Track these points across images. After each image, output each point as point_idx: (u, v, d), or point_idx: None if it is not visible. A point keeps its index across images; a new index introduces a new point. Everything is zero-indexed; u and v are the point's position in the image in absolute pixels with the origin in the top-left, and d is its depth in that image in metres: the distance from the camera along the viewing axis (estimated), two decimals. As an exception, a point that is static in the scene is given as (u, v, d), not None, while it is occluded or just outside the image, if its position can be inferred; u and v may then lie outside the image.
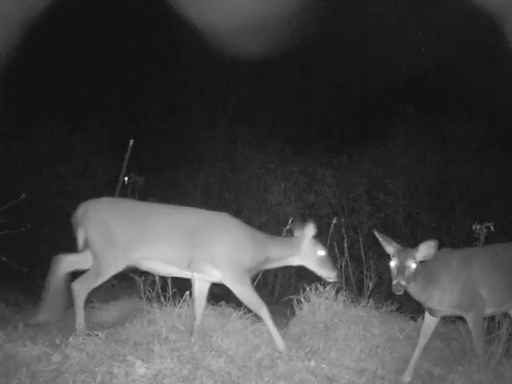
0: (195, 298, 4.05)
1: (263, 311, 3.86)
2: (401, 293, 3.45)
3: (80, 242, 3.97)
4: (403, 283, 3.41)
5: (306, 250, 4.07)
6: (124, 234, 3.80)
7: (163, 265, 3.87)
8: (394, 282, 3.43)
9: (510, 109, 8.90)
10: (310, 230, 4.04)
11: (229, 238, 3.93)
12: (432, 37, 10.04)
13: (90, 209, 3.91)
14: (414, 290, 3.59)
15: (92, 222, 3.84)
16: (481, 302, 3.72)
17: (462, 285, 3.68)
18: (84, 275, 3.89)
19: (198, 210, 4.27)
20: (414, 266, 3.48)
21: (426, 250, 3.51)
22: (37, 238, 8.48)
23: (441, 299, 3.66)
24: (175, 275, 4.02)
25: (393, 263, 3.51)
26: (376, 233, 3.70)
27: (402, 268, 3.45)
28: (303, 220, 4.33)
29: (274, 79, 11.55)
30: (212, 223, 3.99)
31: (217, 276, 3.91)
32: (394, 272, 3.47)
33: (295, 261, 4.15)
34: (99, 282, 3.85)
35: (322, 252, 4.07)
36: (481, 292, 3.72)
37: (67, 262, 3.97)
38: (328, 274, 4.10)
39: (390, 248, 3.59)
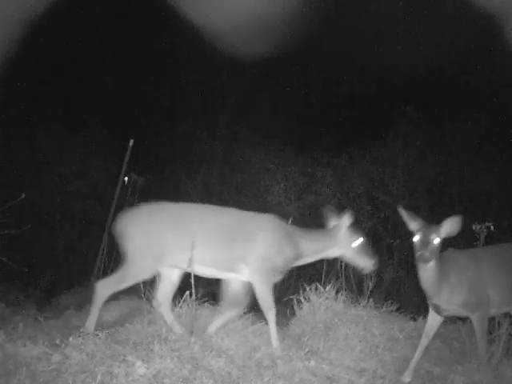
0: (228, 298, 4.08)
1: (271, 314, 3.88)
2: (425, 263, 3.49)
3: None
4: (427, 254, 3.44)
5: (344, 241, 4.04)
6: (166, 239, 3.77)
7: (204, 267, 3.85)
8: (418, 253, 3.46)
9: (510, 109, 8.90)
10: (347, 219, 4.01)
11: (264, 236, 3.90)
12: (432, 37, 10.04)
13: (129, 219, 3.90)
14: (429, 276, 3.59)
15: (131, 233, 3.81)
16: (487, 301, 3.73)
17: (471, 284, 3.69)
18: (110, 277, 3.88)
19: (236, 211, 4.21)
20: (437, 241, 3.52)
21: (449, 225, 3.56)
22: (37, 237, 8.49)
23: (449, 297, 3.67)
24: (216, 277, 4.03)
25: (416, 238, 3.55)
26: (400, 209, 3.71)
27: (425, 242, 3.50)
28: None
29: (274, 79, 11.55)
30: (249, 223, 3.98)
31: (245, 275, 3.92)
32: (418, 246, 3.51)
33: (333, 253, 4.13)
34: (124, 286, 3.83)
35: (358, 241, 4.02)
36: (488, 292, 3.73)
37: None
38: (365, 263, 4.06)
39: (413, 224, 3.63)
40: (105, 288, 3.78)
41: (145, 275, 3.84)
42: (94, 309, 3.76)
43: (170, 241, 3.76)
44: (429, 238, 3.51)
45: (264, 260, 3.85)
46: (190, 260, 3.71)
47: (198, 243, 3.69)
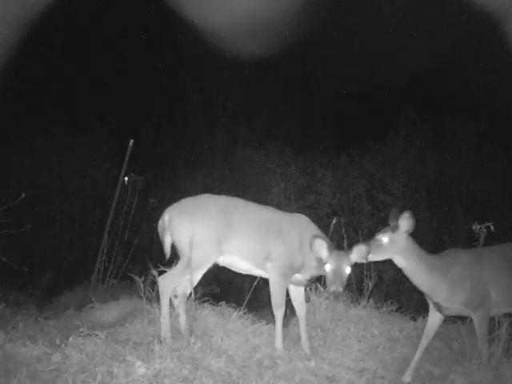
0: (294, 305, 4.23)
1: (280, 312, 3.94)
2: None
3: (167, 247, 4.00)
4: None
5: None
6: (210, 231, 3.83)
7: (240, 259, 3.95)
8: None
9: (510, 108, 8.90)
10: (320, 242, 3.80)
11: (291, 234, 3.98)
12: (432, 36, 10.04)
13: (174, 214, 3.93)
14: (415, 274, 3.68)
15: (178, 227, 3.87)
16: (489, 301, 3.74)
17: (473, 283, 3.71)
18: (171, 271, 3.89)
19: (273, 209, 4.36)
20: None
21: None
22: (37, 237, 8.48)
23: (451, 296, 3.68)
24: (250, 273, 4.14)
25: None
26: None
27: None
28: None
29: (274, 79, 11.54)
30: (283, 220, 4.07)
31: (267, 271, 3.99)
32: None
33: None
34: (186, 277, 3.85)
35: (329, 265, 3.77)
36: (490, 291, 3.74)
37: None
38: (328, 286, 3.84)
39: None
40: (168, 281, 3.80)
41: (206, 264, 3.86)
42: (164, 308, 3.77)
43: (218, 229, 3.83)
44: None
45: (285, 256, 3.91)
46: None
47: (239, 233, 3.84)
